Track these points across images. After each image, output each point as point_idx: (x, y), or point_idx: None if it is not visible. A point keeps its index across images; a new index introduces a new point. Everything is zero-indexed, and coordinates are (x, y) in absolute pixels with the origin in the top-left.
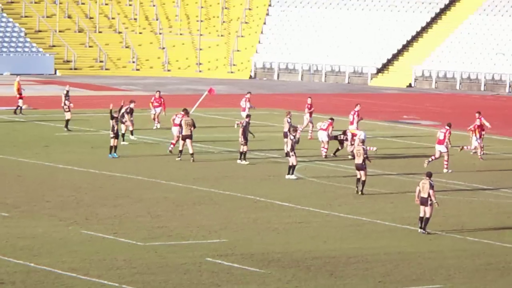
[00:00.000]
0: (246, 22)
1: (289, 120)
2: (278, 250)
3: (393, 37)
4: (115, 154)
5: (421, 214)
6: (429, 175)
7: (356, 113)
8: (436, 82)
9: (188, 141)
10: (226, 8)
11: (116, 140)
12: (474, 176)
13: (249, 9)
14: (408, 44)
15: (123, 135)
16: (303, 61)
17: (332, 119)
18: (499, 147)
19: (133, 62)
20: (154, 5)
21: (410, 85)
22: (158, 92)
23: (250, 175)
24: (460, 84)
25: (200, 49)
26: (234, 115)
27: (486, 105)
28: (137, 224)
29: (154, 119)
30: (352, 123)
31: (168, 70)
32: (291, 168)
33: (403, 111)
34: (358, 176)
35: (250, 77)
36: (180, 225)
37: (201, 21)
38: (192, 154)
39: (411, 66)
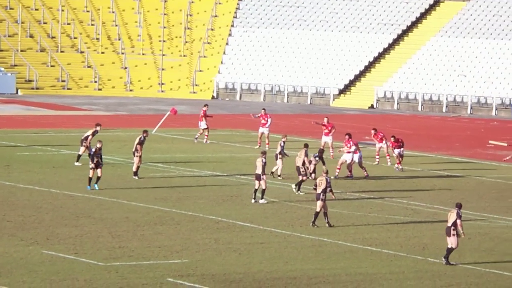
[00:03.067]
0: (208, 43)
1: (282, 144)
2: (240, 271)
3: (355, 58)
4: (95, 185)
5: (449, 245)
6: (459, 206)
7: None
8: (398, 103)
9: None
10: (188, 28)
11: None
12: (435, 197)
13: (212, 29)
14: (371, 65)
15: (79, 156)
16: (266, 81)
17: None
18: (460, 168)
19: (95, 81)
20: (116, 25)
21: (372, 106)
22: (263, 110)
23: (211, 196)
24: (421, 105)
25: (163, 69)
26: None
27: (447, 126)
28: (98, 244)
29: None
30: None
31: (130, 90)
32: (262, 192)
33: (365, 132)
34: (318, 209)
35: (213, 97)
36: (141, 245)
37: (164, 41)
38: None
39: (373, 87)
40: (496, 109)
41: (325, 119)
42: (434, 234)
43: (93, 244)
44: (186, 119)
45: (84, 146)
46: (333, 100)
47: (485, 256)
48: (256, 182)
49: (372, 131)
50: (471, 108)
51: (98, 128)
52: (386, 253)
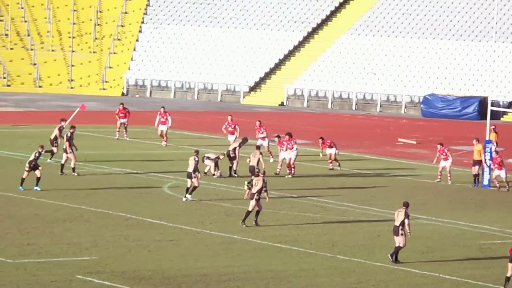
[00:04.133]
0: (118, 39)
1: (196, 159)
2: (149, 268)
3: (266, 56)
4: (36, 187)
5: (396, 244)
6: (406, 205)
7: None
8: (308, 101)
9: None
10: (98, 24)
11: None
12: (345, 195)
13: (122, 26)
14: (281, 63)
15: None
16: (176, 78)
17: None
18: (369, 166)
19: (4, 78)
20: (25, 21)
21: (282, 104)
22: (121, 104)
23: (121, 193)
24: (331, 103)
25: (72, 66)
26: (106, 132)
27: (357, 124)
28: (6, 241)
29: (118, 130)
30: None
31: (40, 86)
32: (193, 189)
33: (275, 129)
34: (250, 209)
35: (123, 94)
36: (50, 242)
37: (73, 37)
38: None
39: (283, 85)
40: (405, 107)
41: (229, 117)
42: (343, 232)
43: (1, 241)
44: (96, 116)
45: (55, 146)
46: (244, 97)
47: None
48: (188, 180)
49: (320, 140)
50: (380, 106)
51: (63, 123)
52: (296, 250)
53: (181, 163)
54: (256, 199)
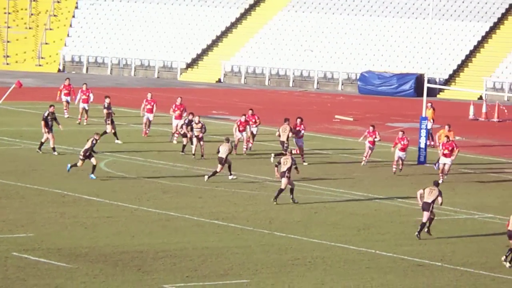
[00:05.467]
0: (54, 15)
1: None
2: (86, 245)
3: (203, 32)
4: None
5: (424, 220)
6: (437, 184)
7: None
8: (245, 78)
9: None
10: (34, 0)
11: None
12: None
13: (58, 1)
14: (218, 39)
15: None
16: (113, 55)
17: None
18: (306, 143)
19: None
20: None
21: (219, 80)
22: (67, 80)
23: (57, 170)
24: (269, 80)
25: (8, 42)
26: (42, 108)
27: (294, 101)
28: None
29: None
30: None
31: None
32: (93, 168)
33: (213, 106)
34: (283, 187)
35: (59, 70)
36: None
37: (9, 13)
38: None
39: (220, 62)
40: (342, 84)
41: (149, 95)
42: (280, 209)
43: None
44: (32, 92)
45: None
46: (181, 74)
47: (331, 230)
48: (80, 161)
49: (250, 111)
50: (317, 83)
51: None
52: (233, 227)
53: (127, 139)
54: (287, 177)
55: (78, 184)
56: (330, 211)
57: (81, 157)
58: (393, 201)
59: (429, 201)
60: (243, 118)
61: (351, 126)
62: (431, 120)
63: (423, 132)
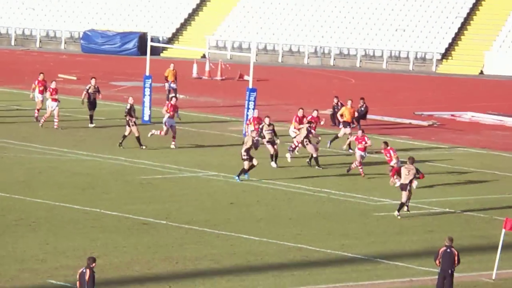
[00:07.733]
0: None
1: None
2: None
3: None
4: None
5: (403, 200)
6: (413, 161)
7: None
8: None
9: None
10: None
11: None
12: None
13: None
14: None
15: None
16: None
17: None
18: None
19: None
20: None
21: None
22: (41, 74)
23: None
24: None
25: None
26: None
27: (16, 60)
28: None
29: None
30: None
31: None
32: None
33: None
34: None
35: None
36: None
37: None
38: None
39: None
40: (65, 43)
41: (41, 75)
42: (2, 169)
43: None
44: None
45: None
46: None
47: (55, 190)
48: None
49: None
50: (40, 41)
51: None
52: None
53: None
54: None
55: None
56: (54, 171)
57: (245, 156)
58: (117, 160)
59: (407, 181)
60: None
61: (75, 85)
62: (174, 80)
63: (147, 91)
